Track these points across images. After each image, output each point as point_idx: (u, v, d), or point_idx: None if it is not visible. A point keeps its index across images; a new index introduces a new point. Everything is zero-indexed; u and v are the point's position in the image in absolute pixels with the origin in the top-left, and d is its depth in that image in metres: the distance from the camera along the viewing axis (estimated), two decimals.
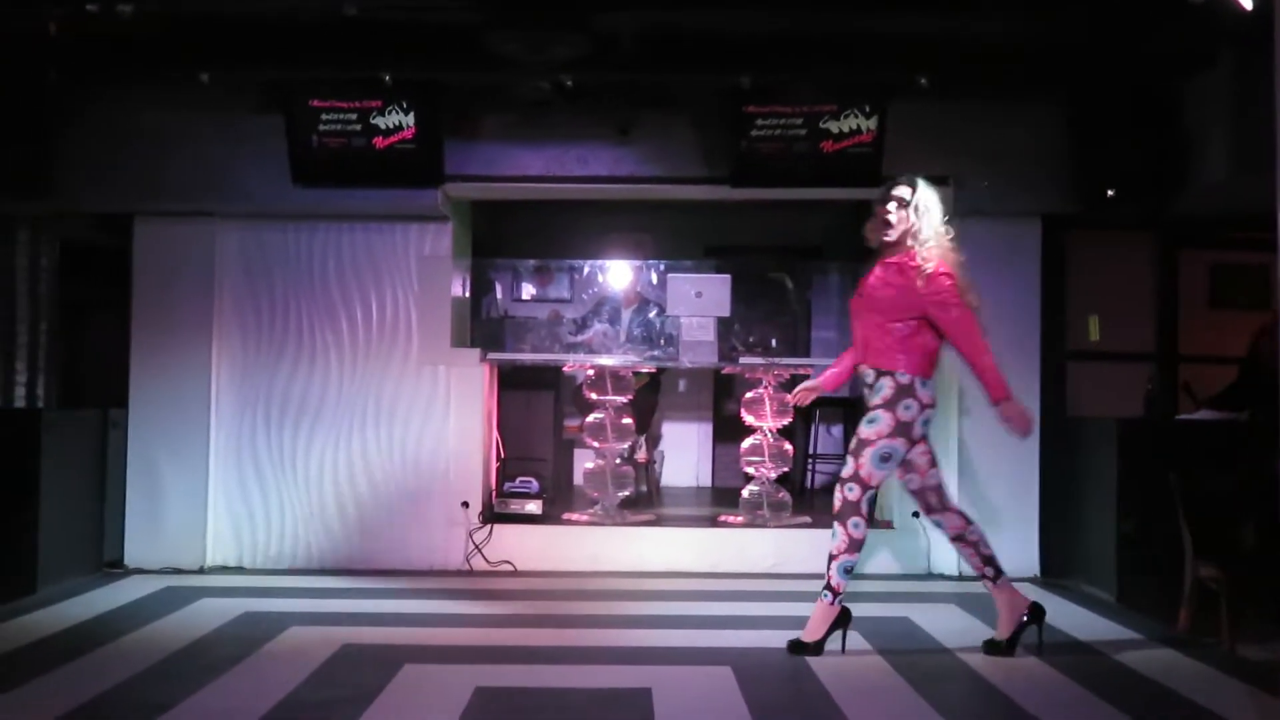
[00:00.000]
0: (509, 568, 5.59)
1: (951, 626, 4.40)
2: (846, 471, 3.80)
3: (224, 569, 5.56)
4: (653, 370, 6.78)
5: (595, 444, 6.10)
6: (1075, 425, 5.63)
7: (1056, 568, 5.52)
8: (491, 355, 5.98)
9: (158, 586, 5.04)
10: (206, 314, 5.62)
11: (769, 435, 6.07)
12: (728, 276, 6.12)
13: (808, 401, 4.45)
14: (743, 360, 6.16)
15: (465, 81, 5.33)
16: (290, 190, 5.40)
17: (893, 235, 3.88)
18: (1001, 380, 3.76)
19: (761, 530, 5.85)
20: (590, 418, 6.15)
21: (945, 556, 5.53)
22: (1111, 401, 5.72)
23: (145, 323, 5.61)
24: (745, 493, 6.10)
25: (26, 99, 5.12)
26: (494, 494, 5.94)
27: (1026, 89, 5.48)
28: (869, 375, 3.86)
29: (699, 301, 6.00)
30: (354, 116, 5.23)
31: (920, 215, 3.82)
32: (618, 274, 7.72)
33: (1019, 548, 5.37)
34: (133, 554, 5.52)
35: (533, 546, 5.67)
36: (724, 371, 6.80)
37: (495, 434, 6.14)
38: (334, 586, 5.15)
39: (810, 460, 7.64)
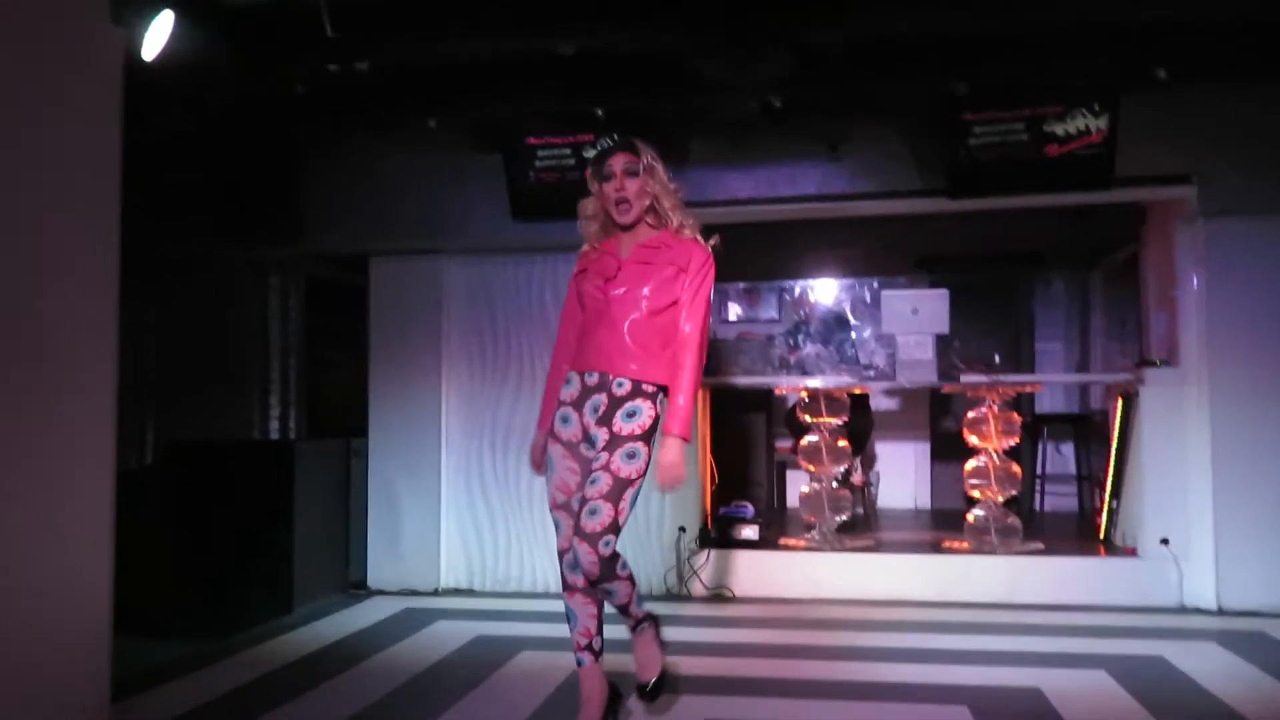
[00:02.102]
0: (727, 594, 5.56)
1: (1213, 667, 4.01)
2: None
3: (457, 591, 5.79)
4: (866, 390, 6.60)
5: (810, 467, 5.99)
6: None
7: None
8: (704, 380, 5.97)
9: (398, 608, 5.31)
10: (435, 345, 5.91)
11: (994, 456, 5.77)
12: (945, 291, 5.87)
13: None
14: (964, 378, 5.89)
15: (672, 108, 5.37)
16: (510, 224, 5.62)
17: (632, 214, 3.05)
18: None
19: (990, 557, 5.55)
20: (804, 440, 6.04)
21: (1200, 588, 5.09)
22: None
23: (381, 355, 5.96)
24: (970, 517, 5.81)
25: (279, 154, 5.59)
26: (709, 519, 5.93)
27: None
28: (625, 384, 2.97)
29: (915, 318, 5.79)
30: (568, 151, 5.38)
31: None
32: (826, 292, 7.58)
33: None
34: (374, 576, 5.85)
35: (750, 572, 5.62)
36: (944, 390, 6.53)
37: (709, 458, 6.13)
38: (560, 611, 5.25)
39: (1039, 481, 7.23)
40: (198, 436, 6.03)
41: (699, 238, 3.07)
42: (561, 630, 4.71)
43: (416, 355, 5.91)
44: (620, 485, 2.85)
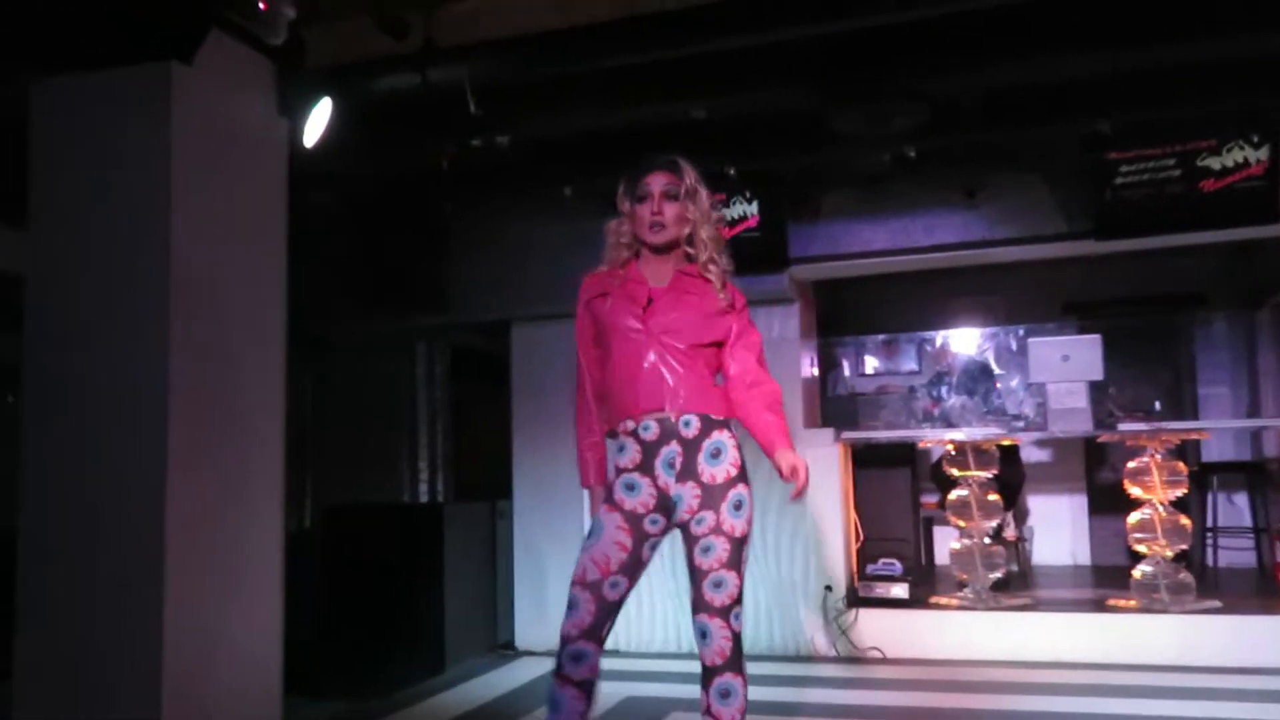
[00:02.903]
0: (877, 654, 5.39)
1: None
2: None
3: (607, 652, 5.79)
4: (1015, 441, 6.36)
5: (960, 522, 5.79)
6: None
7: None
8: (845, 434, 5.88)
9: (546, 668, 5.30)
10: (572, 407, 6.00)
11: (1159, 508, 5.46)
12: (1097, 337, 5.64)
13: None
14: (1122, 426, 5.61)
15: (805, 164, 5.38)
16: None
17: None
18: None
19: (1161, 615, 5.22)
20: (953, 495, 5.85)
21: None
22: None
23: (523, 418, 6.09)
24: (1138, 573, 5.49)
25: (425, 227, 5.86)
26: (856, 577, 5.79)
27: None
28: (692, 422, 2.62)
29: (1066, 365, 5.58)
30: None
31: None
32: (968, 341, 7.39)
33: None
34: (522, 636, 5.92)
35: (901, 632, 5.43)
36: (1100, 440, 6.24)
37: (853, 514, 6.00)
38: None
39: (1210, 535, 6.79)
40: (351, 500, 6.26)
41: (729, 281, 2.74)
42: None
43: (557, 417, 6.01)
44: (738, 547, 2.53)
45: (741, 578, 2.54)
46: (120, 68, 3.25)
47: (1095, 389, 5.70)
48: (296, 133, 3.81)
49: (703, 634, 2.54)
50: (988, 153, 5.34)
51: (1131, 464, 5.58)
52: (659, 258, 2.71)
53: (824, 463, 5.67)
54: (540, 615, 5.88)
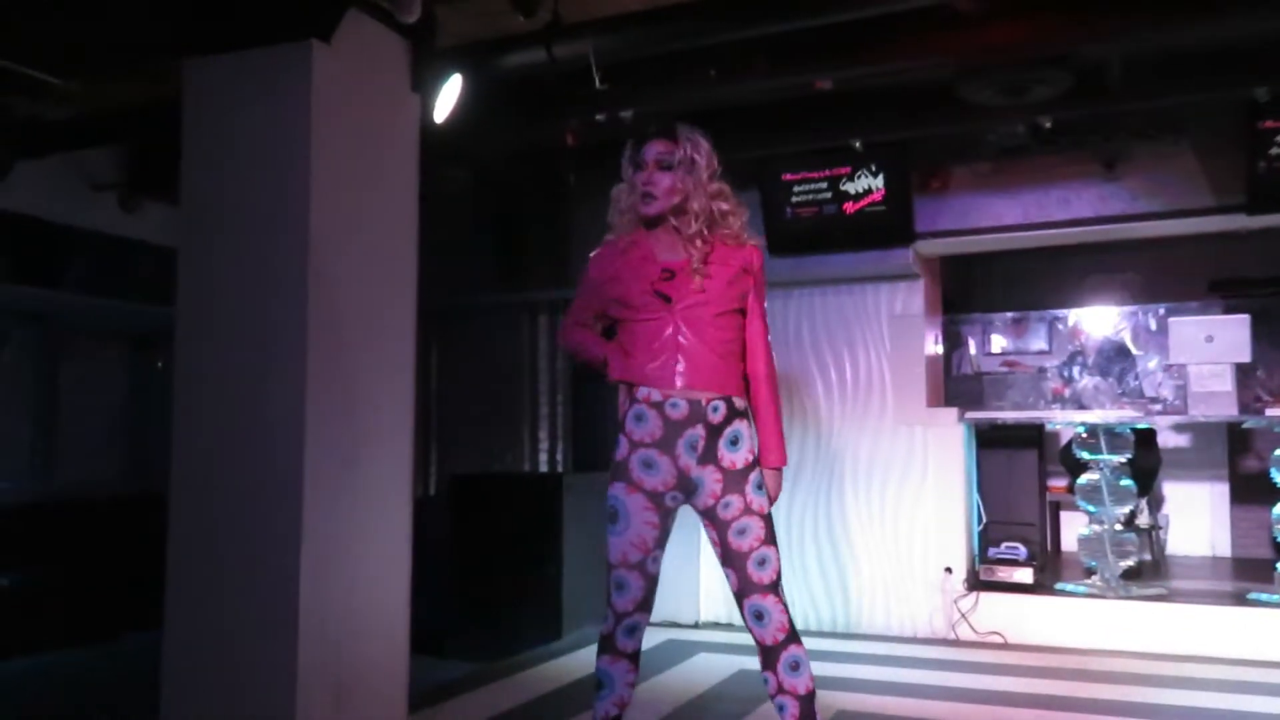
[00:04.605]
0: (998, 639, 5.27)
1: None
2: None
3: (715, 625, 5.83)
4: (1152, 425, 6.09)
5: (1090, 507, 5.59)
6: None
7: None
8: (969, 414, 5.74)
9: (660, 639, 5.41)
10: None
11: None
12: (1245, 317, 5.36)
13: None
14: (1270, 412, 5.31)
15: (935, 136, 5.23)
16: (767, 260, 5.63)
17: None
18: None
19: None
20: (1082, 479, 5.65)
21: None
22: None
23: None
24: None
25: (550, 201, 5.94)
26: (978, 559, 5.66)
27: None
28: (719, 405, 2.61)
29: (1210, 347, 5.31)
30: (824, 185, 5.37)
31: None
32: (1103, 320, 7.09)
33: None
34: None
35: (1024, 618, 5.30)
36: (1244, 425, 5.93)
37: (976, 496, 5.86)
38: (818, 649, 5.12)
39: None
40: (475, 470, 6.43)
41: (750, 242, 2.69)
42: (824, 668, 4.67)
43: None
44: (770, 523, 2.56)
45: (779, 552, 2.58)
46: (264, 47, 3.38)
47: (1241, 372, 5.42)
48: (428, 109, 3.90)
49: (758, 615, 2.54)
50: (1129, 122, 5.09)
51: (1279, 451, 5.29)
52: (664, 227, 2.64)
53: (947, 443, 5.56)
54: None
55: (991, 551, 5.65)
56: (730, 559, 2.56)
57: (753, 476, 2.57)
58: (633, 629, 2.66)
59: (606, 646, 2.68)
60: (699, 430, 2.54)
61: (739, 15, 3.84)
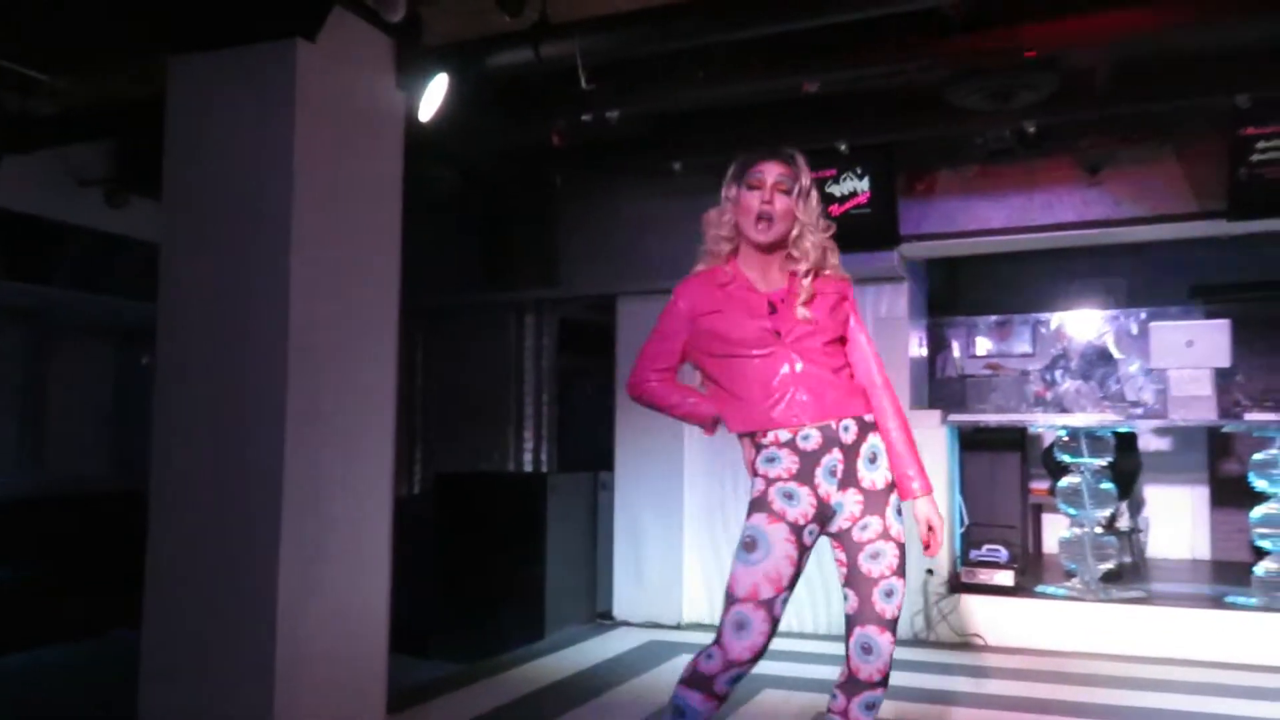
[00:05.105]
0: (979, 641, 5.30)
1: None
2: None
3: (698, 626, 5.84)
4: (1133, 429, 6.13)
5: (1071, 510, 5.62)
6: None
7: None
8: (953, 417, 5.76)
9: (642, 640, 5.43)
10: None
11: None
12: (1226, 322, 5.40)
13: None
14: (1248, 416, 5.36)
15: (921, 140, 5.26)
16: None
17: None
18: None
19: None
20: (1063, 481, 5.69)
21: None
22: None
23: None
24: (1260, 569, 5.25)
25: (537, 201, 5.94)
26: (960, 562, 5.69)
27: None
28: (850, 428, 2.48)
29: (1190, 351, 5.35)
30: None
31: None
32: (1086, 324, 7.13)
33: None
34: (619, 607, 6.00)
35: (1004, 620, 5.33)
36: (1224, 429, 5.96)
37: (959, 498, 5.89)
38: (803, 650, 5.19)
39: None
40: (460, 469, 6.42)
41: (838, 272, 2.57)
42: (805, 670, 4.69)
43: None
44: (902, 553, 2.42)
45: (905, 587, 2.43)
46: (248, 45, 3.38)
47: (1221, 376, 5.46)
48: (413, 108, 3.90)
49: (866, 649, 2.39)
50: (1113, 128, 5.13)
51: (1258, 456, 5.33)
52: (763, 257, 2.51)
53: (930, 445, 5.56)
54: (638, 586, 5.96)
55: (973, 554, 5.68)
56: (855, 582, 2.41)
57: (892, 499, 2.44)
58: (738, 677, 2.41)
59: (700, 684, 2.41)
60: (836, 455, 2.42)
61: (726, 17, 3.84)
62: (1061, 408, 6.31)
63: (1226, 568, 6.75)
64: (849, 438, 2.44)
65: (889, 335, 5.69)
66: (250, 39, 3.38)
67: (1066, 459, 5.66)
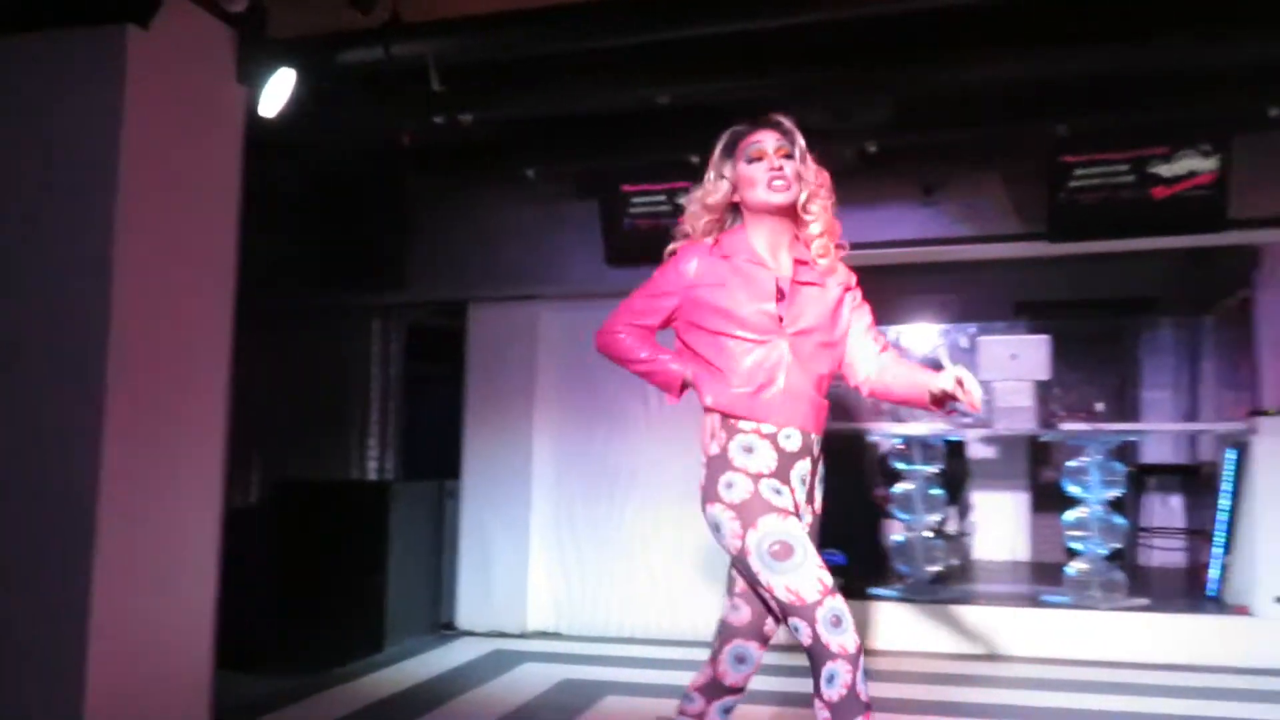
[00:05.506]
0: None
1: None
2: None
3: (544, 634, 5.81)
4: (962, 438, 6.47)
5: (904, 515, 5.88)
6: None
7: None
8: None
9: (486, 649, 5.36)
10: (529, 390, 6.00)
11: (1096, 507, 5.59)
12: (1046, 337, 5.75)
13: None
14: (1064, 426, 5.73)
15: None
16: (605, 271, 5.69)
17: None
18: None
19: (1091, 612, 5.36)
20: (898, 488, 5.94)
21: None
22: None
23: (476, 399, 6.07)
24: (1071, 570, 5.63)
25: (387, 204, 5.80)
26: None
27: None
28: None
29: (1014, 364, 5.68)
30: (663, 198, 5.45)
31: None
32: (920, 338, 7.47)
33: None
34: (464, 617, 5.91)
35: None
36: (1042, 439, 6.37)
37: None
38: (647, 656, 5.25)
39: (1144, 535, 6.96)
40: (301, 477, 6.21)
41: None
42: (648, 676, 4.73)
43: (510, 399, 6.01)
44: None
45: None
46: (75, 28, 3.18)
47: (1041, 388, 5.81)
48: (255, 102, 3.75)
49: (741, 659, 2.44)
50: (949, 150, 5.38)
51: (1071, 463, 5.71)
52: (774, 231, 2.42)
53: None
54: (483, 595, 5.89)
55: None
56: (754, 599, 2.41)
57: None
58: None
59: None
60: (807, 465, 2.36)
61: (577, 28, 3.87)
62: (897, 417, 6.59)
63: (1044, 568, 7.18)
64: (817, 452, 2.40)
65: None
66: (76, 22, 3.18)
67: (901, 466, 5.92)
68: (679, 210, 5.55)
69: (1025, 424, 5.70)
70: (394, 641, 5.33)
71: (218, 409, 3.52)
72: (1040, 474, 7.94)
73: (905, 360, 2.49)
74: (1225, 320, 7.04)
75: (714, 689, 2.44)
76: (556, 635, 5.79)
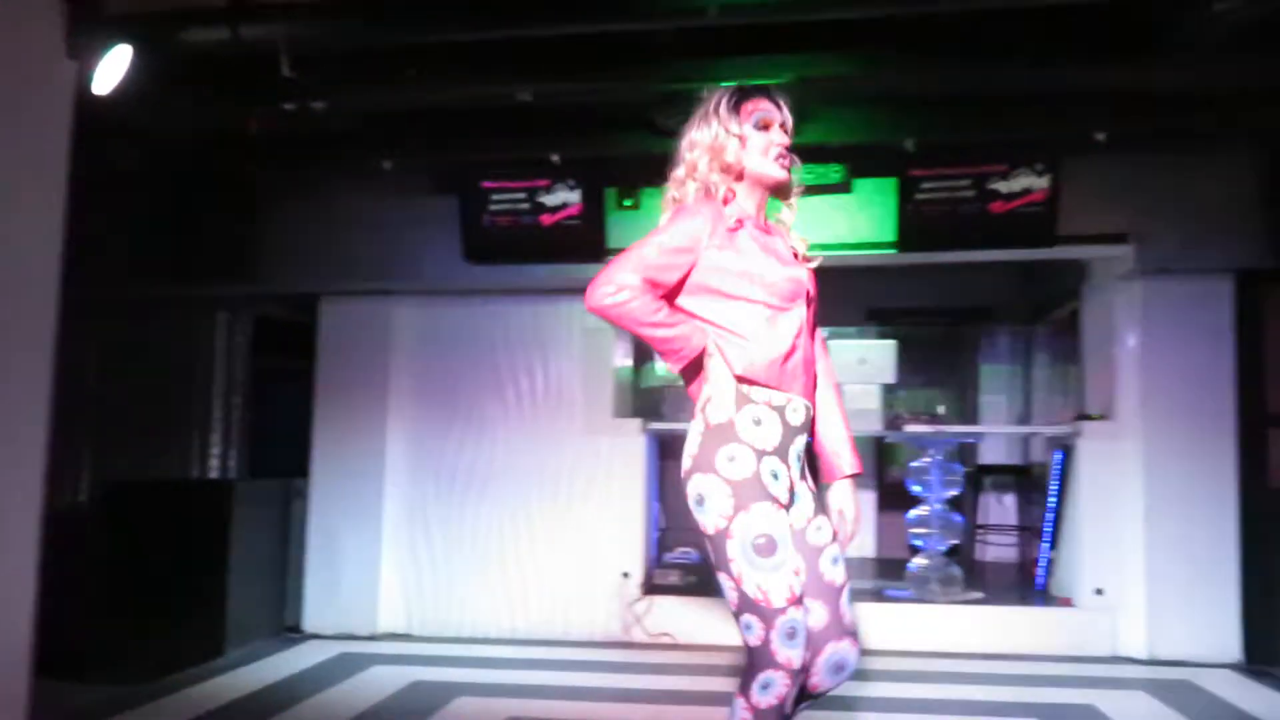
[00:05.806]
0: (668, 640, 5.54)
1: (1141, 716, 4.10)
2: None
3: (394, 636, 5.69)
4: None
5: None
6: (1277, 497, 5.20)
7: (1262, 653, 5.06)
8: (652, 425, 5.99)
9: (333, 653, 5.22)
10: (383, 386, 5.87)
11: (936, 506, 5.85)
12: (892, 343, 5.98)
13: None
14: (908, 428, 5.97)
15: (631, 157, 5.43)
16: (462, 267, 5.62)
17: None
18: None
19: (931, 605, 5.60)
20: None
21: (1132, 638, 5.18)
22: None
23: (327, 395, 5.90)
24: (913, 565, 5.87)
25: (233, 192, 5.56)
26: (654, 564, 5.92)
27: (1216, 138, 5.16)
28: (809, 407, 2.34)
29: (862, 368, 5.88)
30: (523, 196, 5.42)
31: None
32: None
33: (1214, 632, 5.09)
34: (310, 619, 5.74)
35: (692, 619, 5.59)
36: (887, 440, 6.60)
37: (656, 504, 6.13)
38: (498, 656, 5.21)
39: (980, 531, 7.32)
40: (135, 475, 5.90)
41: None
42: (499, 676, 4.69)
43: (363, 396, 5.86)
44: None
45: None
46: None
47: (887, 392, 6.04)
48: (86, 79, 3.54)
49: (838, 667, 2.25)
50: (801, 158, 5.51)
51: (914, 463, 5.96)
52: (760, 201, 2.36)
53: (630, 453, 5.77)
54: (332, 597, 5.73)
55: (666, 557, 5.93)
56: (822, 592, 2.21)
57: (821, 499, 2.31)
58: (800, 693, 2.21)
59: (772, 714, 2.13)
60: (804, 439, 2.26)
61: (440, 18, 3.80)
62: None
63: (888, 564, 7.46)
64: (809, 425, 2.31)
65: (595, 346, 5.83)
66: None
67: None
68: (539, 209, 5.56)
69: (872, 426, 5.91)
70: (236, 645, 5.13)
71: (38, 404, 3.31)
72: (887, 474, 8.25)
73: (839, 405, 2.43)
74: (1056, 330, 7.47)
75: (798, 699, 2.24)
76: (407, 637, 5.68)
